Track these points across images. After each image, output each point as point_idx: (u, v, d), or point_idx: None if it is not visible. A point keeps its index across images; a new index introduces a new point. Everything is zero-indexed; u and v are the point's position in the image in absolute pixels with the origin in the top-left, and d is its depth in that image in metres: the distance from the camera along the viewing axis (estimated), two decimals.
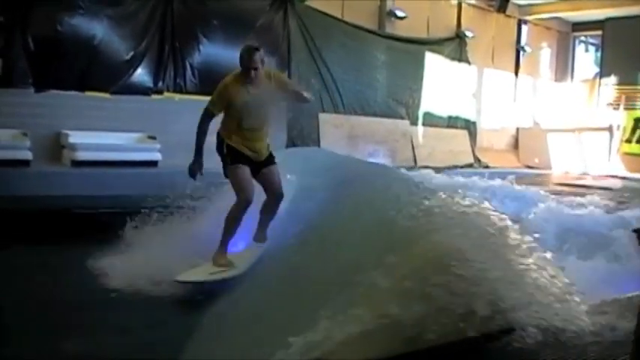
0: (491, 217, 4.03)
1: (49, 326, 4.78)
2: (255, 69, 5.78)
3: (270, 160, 6.19)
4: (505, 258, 3.61)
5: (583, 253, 6.86)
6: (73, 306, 5.23)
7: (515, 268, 3.57)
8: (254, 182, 6.02)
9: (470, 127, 18.48)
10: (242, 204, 5.86)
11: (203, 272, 5.83)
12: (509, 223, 4.02)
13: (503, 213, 4.17)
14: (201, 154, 5.94)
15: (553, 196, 10.37)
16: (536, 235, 4.11)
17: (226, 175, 6.03)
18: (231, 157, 5.96)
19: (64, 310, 5.12)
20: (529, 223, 7.71)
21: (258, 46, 5.99)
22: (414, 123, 16.74)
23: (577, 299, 3.63)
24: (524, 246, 3.81)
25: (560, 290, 3.59)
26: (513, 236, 3.87)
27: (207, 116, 5.90)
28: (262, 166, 6.09)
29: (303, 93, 6.41)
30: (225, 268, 5.87)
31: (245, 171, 5.95)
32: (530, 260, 3.69)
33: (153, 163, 10.87)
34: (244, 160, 5.96)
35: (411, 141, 16.41)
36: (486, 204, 4.28)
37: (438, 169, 14.14)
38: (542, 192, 10.79)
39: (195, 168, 5.96)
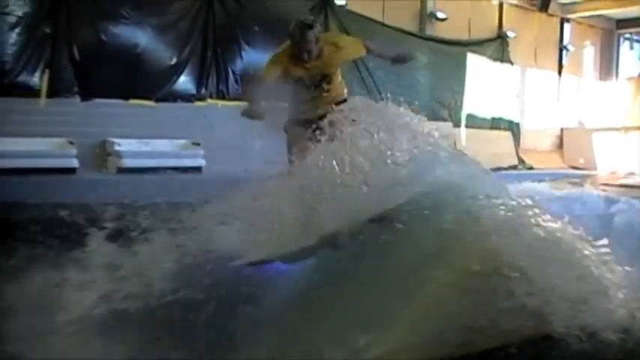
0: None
1: None
2: (309, 51, 5.07)
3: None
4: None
5: None
6: None
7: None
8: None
9: (513, 128, 18.29)
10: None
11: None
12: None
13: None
14: (258, 105, 5.06)
15: None
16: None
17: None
18: (291, 123, 5.43)
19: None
20: None
21: (312, 21, 5.19)
22: (457, 125, 16.60)
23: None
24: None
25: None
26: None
27: (259, 81, 5.25)
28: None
29: (398, 54, 6.09)
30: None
31: (303, 135, 4.95)
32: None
33: (197, 169, 10.96)
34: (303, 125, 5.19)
35: (454, 143, 16.25)
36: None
37: None
38: None
39: (254, 109, 5.06)
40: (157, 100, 11.24)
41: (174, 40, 11.45)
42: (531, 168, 17.45)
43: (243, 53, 12.21)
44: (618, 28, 21.74)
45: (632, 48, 22.35)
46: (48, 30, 10.14)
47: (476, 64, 17.14)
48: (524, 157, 18.02)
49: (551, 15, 19.36)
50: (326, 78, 5.43)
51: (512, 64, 18.22)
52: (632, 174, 18.29)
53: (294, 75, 5.25)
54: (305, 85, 5.34)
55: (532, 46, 19.12)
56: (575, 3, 19.44)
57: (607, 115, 20.54)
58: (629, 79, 21.54)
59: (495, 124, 17.81)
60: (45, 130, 9.94)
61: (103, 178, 10.20)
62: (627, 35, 22.11)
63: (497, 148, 17.22)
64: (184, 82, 11.62)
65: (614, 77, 21.89)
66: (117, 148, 10.44)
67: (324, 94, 5.47)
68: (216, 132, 11.52)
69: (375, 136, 4.51)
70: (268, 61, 5.30)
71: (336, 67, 5.53)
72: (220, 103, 11.99)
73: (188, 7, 11.62)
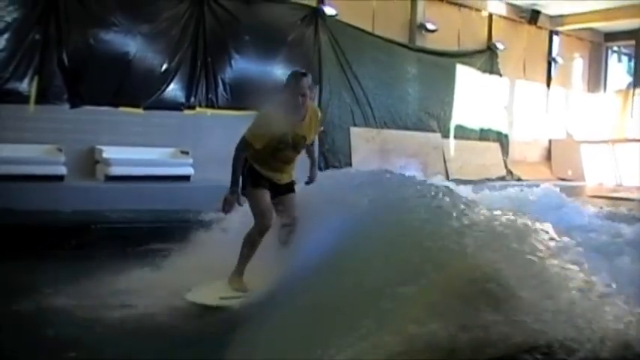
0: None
1: None
2: (303, 95, 5.37)
3: (290, 186, 5.80)
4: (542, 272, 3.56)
5: None
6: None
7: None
8: None
9: (502, 139, 18.35)
10: (261, 229, 5.51)
11: (214, 295, 5.48)
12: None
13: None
14: (237, 184, 5.44)
15: None
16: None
17: (244, 194, 5.55)
18: (252, 179, 5.55)
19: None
20: None
21: (305, 71, 5.59)
22: (446, 136, 16.67)
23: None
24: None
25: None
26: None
27: (245, 150, 5.40)
28: (282, 191, 5.72)
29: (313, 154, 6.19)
30: (240, 294, 5.47)
31: (266, 196, 5.56)
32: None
33: (186, 178, 10.94)
34: (265, 182, 5.58)
35: (443, 154, 16.34)
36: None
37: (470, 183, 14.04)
38: None
39: (233, 199, 5.44)
40: (146, 108, 11.19)
41: (164, 48, 11.41)
42: (520, 179, 17.50)
43: (233, 62, 12.20)
44: (606, 40, 21.91)
45: (620, 61, 22.55)
46: (37, 36, 10.08)
47: (465, 75, 17.20)
48: (512, 169, 18.08)
49: (540, 27, 19.48)
50: (303, 143, 5.66)
51: (501, 75, 18.29)
52: (620, 186, 18.40)
53: (279, 133, 5.42)
54: (284, 146, 5.51)
55: (521, 58, 19.22)
56: (563, 16, 19.55)
57: (595, 127, 20.69)
58: (617, 91, 21.72)
59: (484, 135, 17.85)
60: (33, 136, 9.90)
61: (91, 185, 10.17)
62: (615, 48, 22.31)
63: (485, 159, 17.31)
64: (174, 90, 11.58)
65: (602, 89, 22.04)
66: (105, 155, 10.40)
67: (292, 163, 5.78)
68: (205, 140, 11.52)
69: None
70: (257, 124, 5.45)
71: (313, 135, 5.78)
72: (210, 111, 11.97)
73: (178, 15, 11.58)
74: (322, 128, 6.13)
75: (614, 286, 3.64)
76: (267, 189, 5.59)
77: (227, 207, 5.49)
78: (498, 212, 4.31)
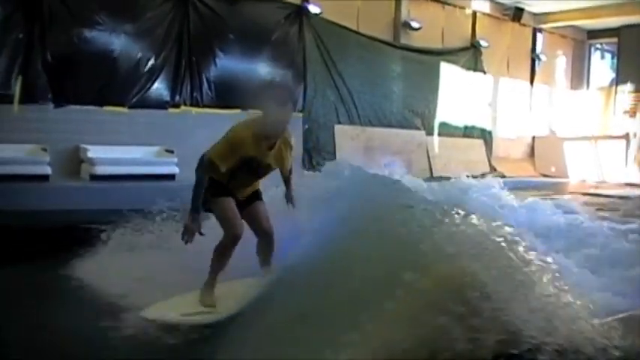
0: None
1: None
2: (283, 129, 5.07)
3: (255, 195, 5.42)
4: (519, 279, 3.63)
5: None
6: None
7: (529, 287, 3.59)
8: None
9: (486, 136, 18.49)
10: (231, 239, 5.08)
11: (175, 310, 4.97)
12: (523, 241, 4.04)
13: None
14: (198, 211, 4.91)
15: None
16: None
17: (208, 210, 5.14)
18: (214, 189, 5.07)
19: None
20: None
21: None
22: (430, 133, 16.77)
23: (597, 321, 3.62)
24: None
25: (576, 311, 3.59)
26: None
27: (210, 170, 4.94)
28: (248, 201, 5.34)
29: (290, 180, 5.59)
30: (209, 309, 5.05)
31: (231, 203, 5.14)
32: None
33: (171, 177, 10.96)
34: (228, 193, 5.16)
35: (427, 151, 16.43)
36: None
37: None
38: None
39: (194, 227, 4.89)
40: (131, 107, 11.20)
41: (148, 47, 11.40)
42: (503, 176, 17.59)
43: (217, 61, 12.21)
44: (589, 38, 22.08)
45: (603, 58, 22.70)
46: (21, 36, 10.06)
47: (449, 73, 17.29)
48: (496, 165, 18.22)
49: (524, 25, 19.59)
50: (270, 169, 5.28)
51: (485, 73, 18.40)
52: (602, 182, 18.56)
53: (250, 157, 5.02)
54: (251, 169, 5.15)
55: (505, 55, 19.34)
56: (547, 13, 19.67)
57: (578, 124, 20.84)
58: (600, 88, 21.89)
59: (468, 132, 17.98)
60: (18, 136, 9.87)
61: (76, 185, 10.17)
62: (598, 45, 22.47)
63: (469, 156, 17.42)
64: (158, 88, 11.58)
65: (585, 87, 22.22)
66: (90, 155, 10.39)
67: (256, 183, 5.43)
68: (189, 139, 11.53)
69: None
70: (226, 143, 4.99)
71: (282, 165, 5.35)
72: (194, 110, 11.99)
73: (163, 14, 11.57)
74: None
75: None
76: (232, 197, 5.18)
77: (187, 236, 4.94)
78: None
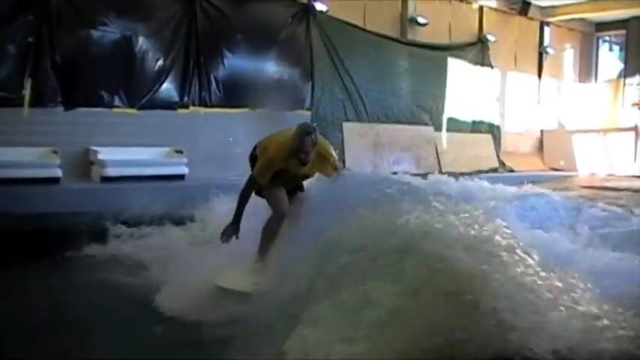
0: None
1: None
2: (306, 153, 5.66)
3: (298, 187, 6.30)
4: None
5: None
6: None
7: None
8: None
9: (494, 131, 18.45)
10: (279, 215, 5.90)
11: (246, 281, 5.58)
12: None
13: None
14: (239, 220, 5.84)
15: None
16: None
17: (260, 194, 6.00)
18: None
19: None
20: None
21: (312, 129, 5.81)
22: (438, 129, 16.76)
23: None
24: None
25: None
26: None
27: (252, 186, 5.87)
28: (292, 191, 6.20)
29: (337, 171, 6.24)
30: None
31: (281, 189, 5.98)
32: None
33: (180, 177, 11.02)
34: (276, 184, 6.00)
35: (435, 147, 16.42)
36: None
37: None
38: None
39: (232, 231, 5.83)
40: (140, 108, 11.25)
41: (156, 48, 11.44)
42: (512, 170, 17.62)
43: (225, 61, 12.25)
44: (597, 30, 21.99)
45: (611, 50, 22.60)
46: (31, 39, 10.11)
47: (456, 68, 17.28)
48: (504, 160, 18.19)
49: (531, 19, 19.55)
50: (308, 177, 6.21)
51: (492, 67, 18.36)
52: (612, 175, 18.53)
53: (286, 170, 5.82)
54: (286, 177, 5.94)
55: (512, 49, 19.30)
56: (554, 7, 19.62)
57: (587, 117, 20.79)
58: (608, 81, 21.82)
59: (476, 127, 17.94)
60: (28, 139, 9.90)
61: (87, 187, 10.22)
62: (606, 38, 22.37)
63: (478, 151, 17.40)
64: (167, 89, 11.63)
65: (593, 79, 22.13)
66: (100, 157, 10.43)
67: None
68: (199, 139, 11.61)
69: None
70: (264, 163, 5.79)
71: (321, 172, 6.10)
72: (203, 110, 12.02)
73: (171, 15, 11.62)
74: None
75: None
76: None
77: (225, 237, 5.81)
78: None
